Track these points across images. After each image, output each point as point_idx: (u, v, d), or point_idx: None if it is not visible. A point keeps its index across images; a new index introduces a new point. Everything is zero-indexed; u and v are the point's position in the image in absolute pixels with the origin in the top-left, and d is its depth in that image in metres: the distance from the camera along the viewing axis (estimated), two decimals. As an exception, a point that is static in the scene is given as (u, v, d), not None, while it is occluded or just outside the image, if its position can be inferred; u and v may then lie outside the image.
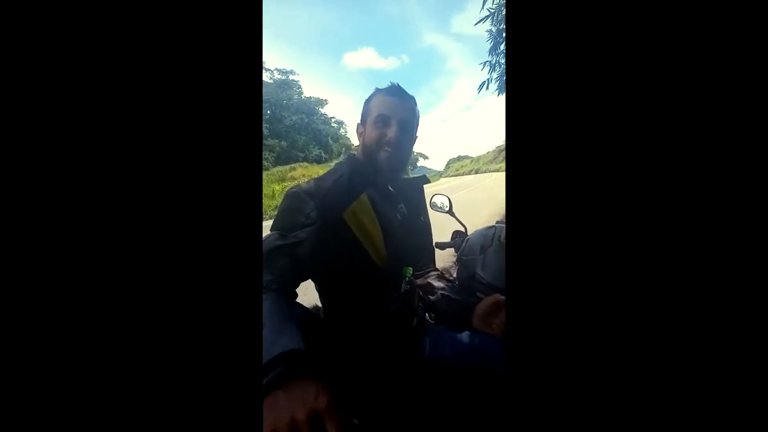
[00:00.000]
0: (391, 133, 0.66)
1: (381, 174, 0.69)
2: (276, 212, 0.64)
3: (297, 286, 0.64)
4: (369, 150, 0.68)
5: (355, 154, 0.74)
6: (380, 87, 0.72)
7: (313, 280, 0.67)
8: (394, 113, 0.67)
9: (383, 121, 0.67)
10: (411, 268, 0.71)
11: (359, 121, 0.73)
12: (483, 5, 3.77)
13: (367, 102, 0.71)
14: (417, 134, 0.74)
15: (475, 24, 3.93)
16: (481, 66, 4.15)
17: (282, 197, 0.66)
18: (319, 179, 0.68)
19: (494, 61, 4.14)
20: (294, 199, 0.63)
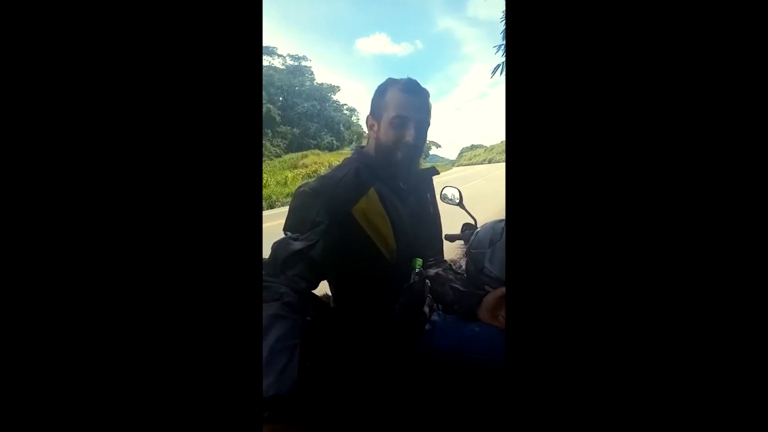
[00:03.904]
0: (410, 136, 0.65)
1: (396, 171, 0.69)
2: (287, 212, 0.65)
3: (314, 288, 0.65)
4: (384, 149, 0.67)
5: (364, 149, 0.73)
6: (394, 77, 0.69)
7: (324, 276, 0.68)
8: (412, 114, 0.66)
9: (401, 123, 0.66)
10: (420, 260, 0.71)
11: (369, 113, 0.71)
12: None
13: (381, 94, 0.69)
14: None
15: None
16: (495, 49, 3.98)
17: (293, 195, 0.67)
18: (327, 176, 0.68)
19: (508, 45, 3.95)
20: (303, 197, 0.63)
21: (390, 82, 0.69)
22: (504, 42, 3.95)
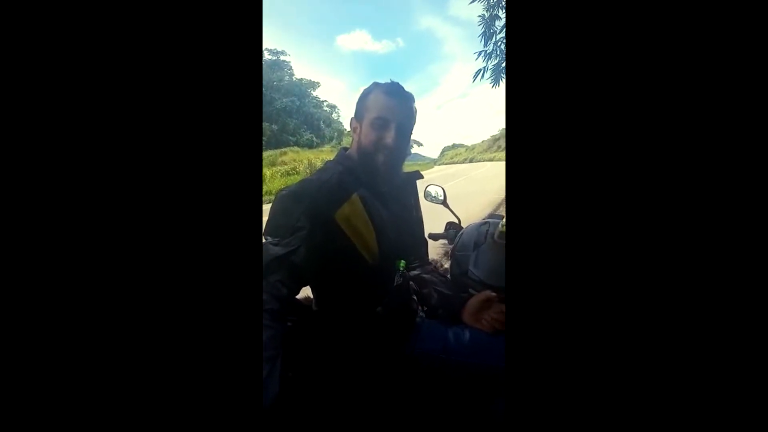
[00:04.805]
0: (390, 137, 0.65)
1: (377, 175, 0.68)
2: (267, 216, 0.62)
3: (295, 295, 0.63)
4: (365, 151, 0.67)
5: (347, 152, 0.72)
6: (379, 81, 0.70)
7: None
8: (394, 116, 0.66)
9: (382, 124, 0.66)
10: (404, 261, 0.71)
11: (353, 116, 0.71)
12: None
13: (364, 97, 0.69)
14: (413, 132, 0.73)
15: (470, 3, 3.81)
16: (476, 55, 4.05)
17: (274, 195, 0.65)
18: (309, 179, 0.66)
19: (490, 50, 4.04)
20: (284, 201, 0.62)
21: (374, 85, 0.69)
22: (485, 48, 4.03)
